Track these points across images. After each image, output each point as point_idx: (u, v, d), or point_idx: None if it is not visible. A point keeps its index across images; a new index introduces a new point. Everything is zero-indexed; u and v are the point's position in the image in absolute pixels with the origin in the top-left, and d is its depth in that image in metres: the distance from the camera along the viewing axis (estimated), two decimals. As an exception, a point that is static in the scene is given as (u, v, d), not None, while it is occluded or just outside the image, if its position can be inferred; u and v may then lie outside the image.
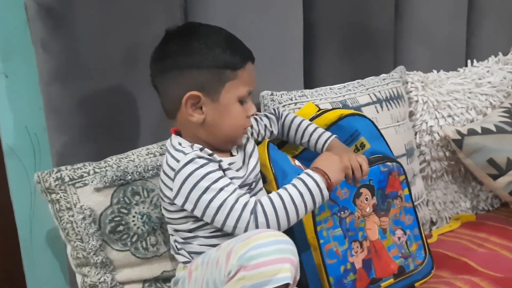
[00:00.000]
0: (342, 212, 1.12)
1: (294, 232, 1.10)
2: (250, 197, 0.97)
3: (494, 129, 1.52)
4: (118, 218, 1.10)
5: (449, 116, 1.58)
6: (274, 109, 1.24)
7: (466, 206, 1.61)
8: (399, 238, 1.19)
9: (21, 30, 1.15)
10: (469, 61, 1.76)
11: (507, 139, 1.49)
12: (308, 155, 1.22)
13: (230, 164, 1.03)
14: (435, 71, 1.65)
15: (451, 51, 1.76)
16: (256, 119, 1.20)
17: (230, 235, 0.95)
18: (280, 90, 1.38)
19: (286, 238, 0.89)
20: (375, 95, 1.45)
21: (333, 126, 1.25)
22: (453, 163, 1.58)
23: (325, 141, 1.16)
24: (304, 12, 1.44)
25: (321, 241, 1.09)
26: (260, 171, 1.13)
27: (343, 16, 1.52)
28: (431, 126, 1.55)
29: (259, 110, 1.33)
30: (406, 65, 1.62)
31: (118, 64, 1.19)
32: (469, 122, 1.59)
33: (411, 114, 1.56)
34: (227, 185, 0.95)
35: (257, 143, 1.17)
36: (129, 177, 1.10)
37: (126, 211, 1.10)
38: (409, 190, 1.23)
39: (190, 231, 1.01)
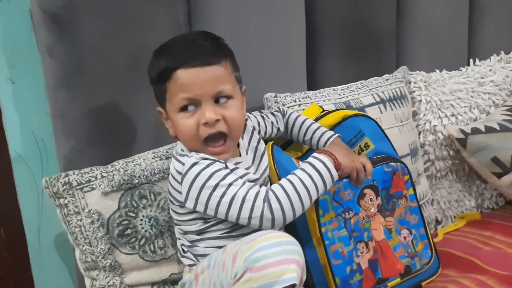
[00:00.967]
0: (346, 213, 1.13)
1: (300, 233, 1.12)
2: None
3: (497, 127, 1.52)
4: (126, 222, 1.11)
5: (453, 115, 1.58)
6: (278, 107, 1.25)
7: (471, 205, 1.62)
8: (405, 237, 1.20)
9: (27, 37, 1.16)
10: (471, 60, 1.76)
11: (511, 137, 1.50)
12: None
13: (236, 163, 1.03)
14: (437, 71, 1.66)
15: (453, 50, 1.76)
16: (262, 117, 1.20)
17: (238, 235, 0.95)
18: (283, 92, 1.39)
19: (291, 239, 0.90)
20: (378, 95, 1.46)
21: (337, 127, 1.26)
22: (457, 162, 1.59)
23: (328, 139, 1.16)
24: (307, 13, 1.45)
25: (326, 242, 1.09)
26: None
27: (345, 17, 1.53)
28: (434, 126, 1.55)
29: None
30: (409, 65, 1.63)
31: (123, 68, 1.20)
32: (473, 121, 1.59)
33: (414, 113, 1.57)
34: (235, 180, 0.95)
35: (264, 141, 1.18)
36: (136, 180, 1.11)
37: (133, 215, 1.11)
38: (414, 190, 1.24)
39: (199, 233, 1.02)
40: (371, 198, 1.17)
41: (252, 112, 1.20)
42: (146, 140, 1.24)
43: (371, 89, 1.47)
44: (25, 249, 1.23)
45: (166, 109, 1.01)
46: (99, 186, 1.10)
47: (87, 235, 1.09)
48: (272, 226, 0.94)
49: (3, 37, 1.15)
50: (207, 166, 0.96)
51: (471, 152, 1.51)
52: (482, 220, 1.53)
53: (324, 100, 1.40)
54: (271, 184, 1.12)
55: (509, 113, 1.58)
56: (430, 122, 1.55)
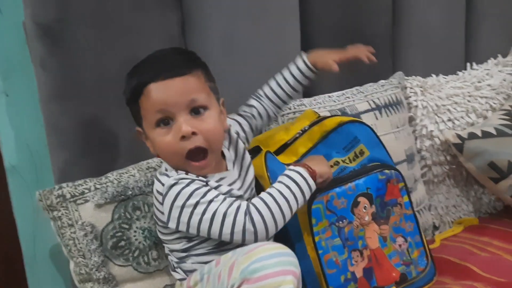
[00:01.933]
0: (340, 222, 1.12)
1: (293, 242, 1.12)
2: None
3: (494, 132, 1.51)
4: (119, 234, 1.11)
5: (449, 120, 1.58)
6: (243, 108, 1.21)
7: (469, 210, 1.61)
8: (400, 245, 1.20)
9: (20, 49, 1.17)
10: (468, 65, 1.75)
11: (508, 142, 1.49)
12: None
13: (220, 180, 1.02)
14: (434, 76, 1.65)
15: (450, 54, 1.76)
16: (240, 115, 1.17)
17: (224, 250, 0.96)
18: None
19: (287, 250, 0.90)
20: (373, 101, 1.45)
21: (332, 133, 1.25)
22: (455, 167, 1.58)
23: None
24: (301, 21, 1.45)
25: (320, 251, 1.09)
26: (258, 183, 1.14)
27: (339, 23, 1.53)
28: (431, 131, 1.55)
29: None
30: (405, 70, 1.63)
31: (116, 80, 1.18)
32: (470, 126, 1.59)
33: (411, 119, 1.56)
34: (216, 196, 0.96)
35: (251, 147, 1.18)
36: (130, 192, 1.12)
37: (127, 226, 1.11)
38: (409, 197, 1.23)
39: (184, 251, 1.02)
40: (365, 206, 1.17)
41: (230, 115, 1.16)
42: (140, 151, 1.23)
43: (366, 96, 1.46)
44: (21, 260, 1.23)
45: (143, 128, 1.01)
46: (93, 198, 1.10)
47: (80, 247, 1.09)
48: (255, 240, 0.94)
49: (-3, 50, 1.16)
50: (187, 185, 0.96)
51: (468, 157, 1.51)
52: (480, 225, 1.53)
53: (319, 107, 1.40)
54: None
55: (506, 117, 1.57)
56: (426, 128, 1.55)
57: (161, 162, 1.07)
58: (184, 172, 0.99)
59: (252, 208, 0.94)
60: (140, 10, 1.21)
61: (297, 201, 0.98)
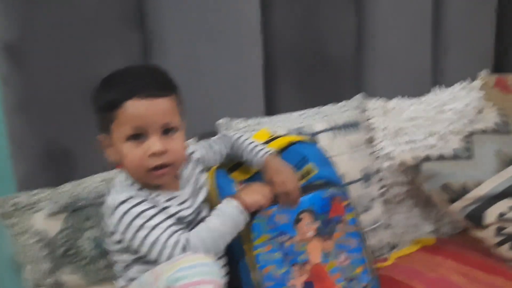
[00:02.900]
0: (281, 237, 1.17)
1: (235, 255, 1.16)
2: (190, 230, 1.05)
3: (450, 155, 1.55)
4: (69, 242, 1.16)
5: (409, 142, 1.62)
6: (224, 133, 1.30)
7: (429, 230, 1.64)
8: (342, 261, 1.23)
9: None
10: (432, 88, 1.80)
11: (462, 165, 1.53)
12: (260, 177, 1.27)
13: (170, 199, 1.07)
14: (396, 99, 1.70)
15: (416, 78, 1.80)
16: (210, 146, 1.24)
17: None
18: (238, 117, 1.45)
19: (209, 261, 0.96)
20: (331, 122, 1.50)
21: (284, 152, 1.30)
22: (414, 187, 1.62)
23: (260, 158, 1.19)
24: (264, 40, 1.51)
25: (258, 265, 1.14)
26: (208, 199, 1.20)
27: (304, 45, 1.58)
28: (389, 152, 1.59)
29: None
30: (370, 93, 1.68)
31: (77, 97, 1.26)
32: (430, 148, 1.63)
33: (371, 140, 1.61)
34: (160, 223, 1.01)
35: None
36: (81, 203, 1.17)
37: (77, 236, 1.17)
38: (355, 214, 1.28)
39: (128, 261, 1.07)
40: (307, 223, 1.21)
41: (198, 143, 1.25)
42: (97, 164, 1.30)
43: (325, 116, 1.52)
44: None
45: (111, 137, 1.04)
46: (45, 208, 1.16)
47: (32, 254, 1.15)
48: None
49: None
50: (135, 205, 1.01)
51: (423, 179, 1.55)
52: (436, 246, 1.56)
53: (278, 126, 1.45)
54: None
55: (466, 139, 1.61)
56: (385, 149, 1.59)
57: (119, 172, 1.12)
58: (138, 187, 1.05)
59: (188, 243, 1.00)
60: (101, 30, 1.28)
61: (231, 232, 1.05)
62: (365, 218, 1.49)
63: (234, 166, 1.31)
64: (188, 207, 1.09)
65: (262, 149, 1.22)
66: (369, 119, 1.61)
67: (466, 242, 1.55)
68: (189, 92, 1.30)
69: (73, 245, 1.17)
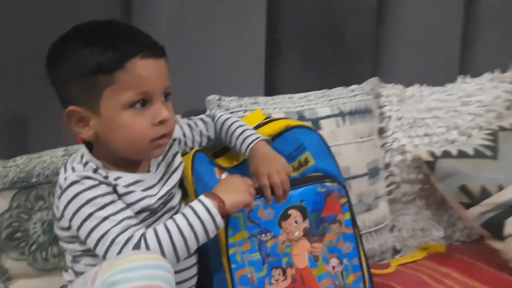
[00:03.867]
0: (263, 235, 1.01)
1: (209, 254, 1.01)
2: (151, 223, 0.90)
3: (472, 152, 1.37)
4: (16, 224, 1.02)
5: (426, 135, 1.44)
6: (210, 111, 1.14)
7: (439, 236, 1.47)
8: (333, 267, 1.08)
9: None
10: (458, 77, 1.60)
11: (484, 165, 1.35)
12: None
13: (134, 183, 0.91)
14: (415, 86, 1.51)
15: (441, 64, 1.60)
16: (190, 125, 1.10)
17: None
18: (234, 95, 1.28)
19: (160, 262, 0.78)
20: (338, 107, 1.33)
21: (278, 138, 1.14)
22: (427, 187, 1.44)
23: (248, 146, 1.04)
24: (268, 11, 1.33)
25: (233, 265, 0.98)
26: (182, 184, 1.04)
27: (313, 18, 1.41)
28: (403, 145, 1.41)
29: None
30: (387, 78, 1.49)
31: (39, 57, 1.08)
32: (449, 143, 1.44)
33: (382, 130, 1.43)
34: (114, 214, 0.85)
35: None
36: (35, 179, 1.03)
37: (26, 217, 1.02)
38: (352, 215, 1.11)
39: (77, 251, 0.92)
40: (296, 220, 1.05)
41: (179, 121, 1.09)
42: (60, 136, 1.12)
43: (331, 100, 1.34)
44: None
45: (98, 106, 0.86)
46: (-9, 183, 1.02)
47: (-29, 234, 1.01)
48: None
49: None
50: (89, 188, 0.85)
51: (439, 178, 1.37)
52: (445, 254, 1.39)
53: (275, 108, 1.29)
54: (184, 195, 1.03)
55: (490, 137, 1.42)
56: (398, 141, 1.42)
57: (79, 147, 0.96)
58: (96, 167, 0.89)
59: (142, 244, 0.83)
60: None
61: (197, 240, 0.86)
62: (368, 218, 1.34)
63: (221, 150, 1.15)
64: (153, 195, 0.93)
65: (251, 135, 1.06)
66: (382, 107, 1.43)
67: (480, 252, 1.36)
68: (174, 60, 1.14)
69: (20, 227, 1.02)
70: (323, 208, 1.08)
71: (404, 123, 1.43)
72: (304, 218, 1.06)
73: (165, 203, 0.96)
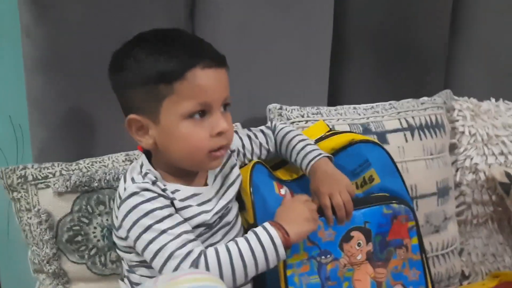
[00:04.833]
0: (323, 257, 0.95)
1: (265, 273, 0.95)
2: (207, 238, 0.88)
3: (553, 176, 1.26)
4: (77, 228, 1.00)
5: (502, 154, 1.34)
6: (271, 122, 1.09)
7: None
8: (397, 295, 1.00)
9: (12, 15, 1.09)
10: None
11: None
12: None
13: (192, 196, 0.88)
14: (491, 100, 1.40)
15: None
16: (250, 137, 1.05)
17: None
18: (296, 105, 1.22)
19: (219, 284, 0.74)
20: (406, 120, 1.25)
21: (341, 152, 1.08)
22: (500, 209, 1.34)
23: (309, 163, 0.98)
24: (335, 16, 1.27)
25: (291, 287, 0.92)
26: (239, 197, 0.99)
27: (383, 26, 1.34)
28: (476, 164, 1.32)
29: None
30: (459, 91, 1.40)
31: (106, 58, 1.09)
32: (527, 165, 1.34)
33: (454, 147, 1.34)
34: (172, 227, 0.82)
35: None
36: (96, 184, 1.00)
37: (87, 221, 1.00)
38: (420, 240, 1.03)
39: (134, 261, 0.89)
40: (359, 243, 0.98)
41: (239, 131, 1.05)
42: (124, 140, 1.12)
43: (399, 112, 1.26)
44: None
45: (157, 116, 0.84)
46: (54, 185, 1.00)
47: (35, 235, 1.00)
48: None
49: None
50: (148, 200, 0.83)
51: (514, 201, 1.27)
52: (519, 284, 1.28)
53: (338, 119, 1.22)
54: (241, 208, 0.99)
55: None
56: (471, 159, 1.32)
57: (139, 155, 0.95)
58: (156, 179, 0.86)
59: (201, 261, 0.80)
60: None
61: (257, 268, 0.82)
62: (435, 240, 1.26)
63: (281, 162, 1.10)
64: (209, 210, 0.89)
65: (313, 150, 1.00)
66: (454, 122, 1.34)
67: (560, 285, 1.25)
68: (238, 67, 1.10)
69: (81, 231, 1.00)
70: (389, 231, 1.00)
71: (478, 139, 1.34)
72: (368, 241, 0.98)
73: (221, 217, 0.92)
